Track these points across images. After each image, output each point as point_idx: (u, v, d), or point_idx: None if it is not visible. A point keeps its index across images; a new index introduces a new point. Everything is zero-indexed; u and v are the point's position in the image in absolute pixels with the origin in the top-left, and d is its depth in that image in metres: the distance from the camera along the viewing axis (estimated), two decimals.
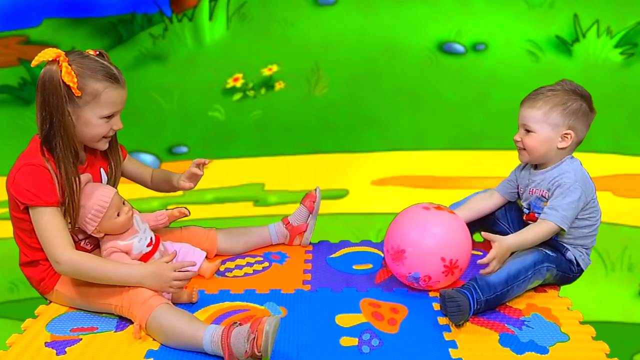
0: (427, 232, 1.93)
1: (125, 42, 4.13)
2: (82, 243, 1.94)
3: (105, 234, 1.89)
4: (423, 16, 4.21)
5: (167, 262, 1.82)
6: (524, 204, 2.10)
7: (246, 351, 1.58)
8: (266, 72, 4.18)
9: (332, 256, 2.26)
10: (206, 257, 2.12)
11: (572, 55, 4.11)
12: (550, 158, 2.00)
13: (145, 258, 1.90)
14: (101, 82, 1.79)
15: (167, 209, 2.09)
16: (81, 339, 1.75)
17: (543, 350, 1.69)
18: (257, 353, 1.58)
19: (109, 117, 1.84)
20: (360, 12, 4.22)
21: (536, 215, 2.01)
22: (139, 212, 2.02)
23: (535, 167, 2.07)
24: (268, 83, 4.17)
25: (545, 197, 1.99)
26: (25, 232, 1.86)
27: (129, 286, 1.78)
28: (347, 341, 1.74)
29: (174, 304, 1.82)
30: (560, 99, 1.95)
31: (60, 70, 1.75)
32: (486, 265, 1.86)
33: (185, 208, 2.08)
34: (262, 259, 2.23)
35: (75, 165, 1.83)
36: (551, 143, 1.97)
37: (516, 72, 4.11)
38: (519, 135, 2.01)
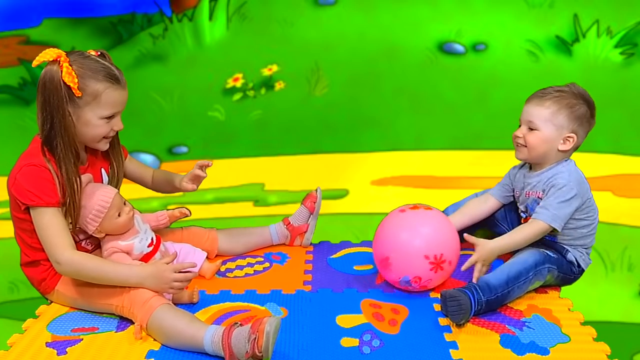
0: (404, 234, 1.93)
1: (125, 42, 4.13)
2: (83, 243, 1.95)
3: (106, 234, 1.89)
4: (423, 16, 4.21)
5: (168, 263, 1.82)
6: (521, 207, 2.10)
7: (247, 352, 1.58)
8: (266, 72, 4.18)
9: (332, 257, 2.26)
10: (207, 257, 2.12)
11: (572, 55, 4.11)
12: (547, 159, 2.00)
13: (146, 258, 1.90)
14: (102, 82, 1.79)
15: (167, 210, 2.09)
16: (82, 339, 1.75)
17: (544, 352, 1.69)
18: (257, 354, 1.58)
19: (110, 117, 1.84)
20: (360, 12, 4.22)
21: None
22: (140, 212, 2.02)
23: (530, 168, 2.07)
24: (268, 83, 4.17)
25: (541, 199, 1.99)
26: (26, 232, 1.86)
27: (129, 286, 1.78)
28: (347, 342, 1.74)
29: (174, 304, 1.82)
30: (569, 102, 1.96)
31: (61, 71, 1.75)
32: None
33: (186, 208, 2.08)
34: (262, 259, 2.23)
35: (76, 165, 1.83)
36: (552, 144, 1.97)
37: (516, 72, 4.11)
38: (520, 132, 2.00)
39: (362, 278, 2.10)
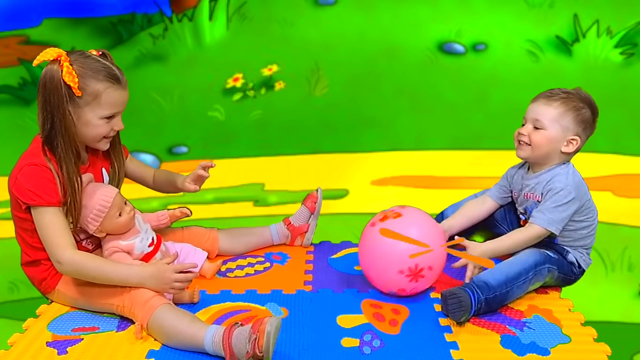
0: (374, 253, 1.91)
1: (125, 42, 4.13)
2: (84, 243, 1.95)
3: (107, 234, 1.89)
4: (423, 16, 4.21)
5: (169, 264, 1.82)
6: (520, 209, 2.10)
7: (247, 352, 1.59)
8: (266, 72, 4.18)
9: (333, 257, 2.26)
10: (207, 257, 2.12)
11: (572, 55, 4.11)
12: (549, 160, 2.00)
13: (146, 258, 1.90)
14: (102, 82, 1.79)
15: (168, 209, 2.09)
16: (82, 339, 1.75)
17: (544, 352, 1.69)
18: (258, 354, 1.58)
19: (110, 117, 1.84)
20: (360, 12, 4.22)
21: None
22: (141, 212, 2.02)
23: (528, 169, 2.07)
24: (268, 83, 4.17)
25: (540, 202, 1.99)
26: (27, 232, 1.86)
27: (130, 286, 1.78)
28: (348, 342, 1.74)
29: (175, 304, 1.82)
30: (576, 105, 1.96)
31: (61, 70, 1.75)
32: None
33: (187, 208, 2.08)
34: (263, 259, 2.24)
35: (76, 164, 1.83)
36: (556, 145, 1.97)
37: (516, 72, 4.11)
38: (525, 130, 1.99)
39: (362, 278, 2.09)
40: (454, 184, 3.72)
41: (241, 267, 2.18)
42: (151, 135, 3.96)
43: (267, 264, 2.20)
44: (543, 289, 2.00)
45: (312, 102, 4.14)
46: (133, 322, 1.78)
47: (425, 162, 3.93)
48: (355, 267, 2.18)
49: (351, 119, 4.08)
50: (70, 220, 1.82)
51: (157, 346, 1.71)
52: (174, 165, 3.83)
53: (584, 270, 2.05)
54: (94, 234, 1.88)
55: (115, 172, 2.02)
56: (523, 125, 2.01)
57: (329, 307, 1.92)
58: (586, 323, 1.84)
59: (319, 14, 4.22)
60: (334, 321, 1.84)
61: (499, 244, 1.97)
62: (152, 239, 1.95)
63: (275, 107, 4.13)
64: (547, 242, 2.00)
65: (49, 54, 1.76)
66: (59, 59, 1.76)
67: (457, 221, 2.14)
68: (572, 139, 1.96)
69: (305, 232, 2.30)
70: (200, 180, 2.08)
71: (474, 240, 2.11)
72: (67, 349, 1.70)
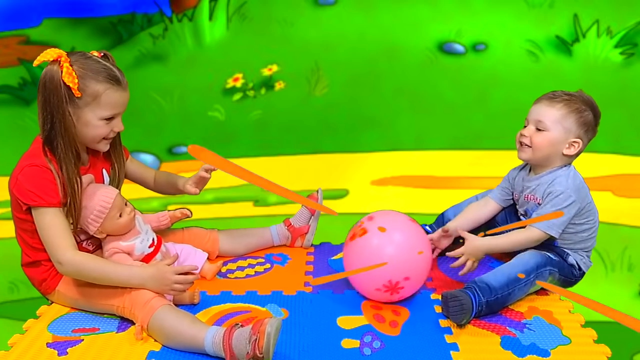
0: (352, 276, 1.91)
1: (125, 42, 4.13)
2: (84, 244, 1.94)
3: (108, 235, 1.89)
4: (423, 16, 4.21)
5: (169, 266, 1.82)
6: (521, 210, 2.10)
7: (248, 353, 1.58)
8: (266, 72, 4.18)
9: (333, 258, 2.26)
10: (208, 258, 2.12)
11: (572, 55, 4.11)
12: (550, 162, 2.00)
13: (147, 259, 1.90)
14: (102, 83, 1.79)
15: (168, 210, 2.09)
16: (83, 340, 1.75)
17: (545, 353, 1.69)
18: (258, 355, 1.58)
19: (110, 118, 1.84)
20: (360, 12, 4.22)
21: None
22: (141, 212, 2.02)
23: (530, 171, 2.07)
24: (268, 83, 4.17)
25: (540, 205, 1.99)
26: (27, 233, 1.86)
27: (130, 287, 1.78)
28: (348, 343, 1.74)
29: (175, 305, 1.81)
30: (579, 107, 1.95)
31: (61, 71, 1.74)
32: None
33: (187, 209, 2.08)
34: (263, 260, 2.23)
35: (76, 165, 1.83)
36: (558, 147, 1.96)
37: (516, 72, 4.11)
38: (527, 132, 1.99)
39: None
40: (454, 184, 3.73)
41: (241, 268, 2.17)
42: (151, 135, 3.96)
43: (268, 265, 2.20)
44: (543, 290, 2.00)
45: (312, 102, 4.15)
46: (133, 323, 1.78)
47: (425, 162, 3.93)
48: None
49: (351, 119, 4.08)
50: (71, 221, 1.82)
51: (157, 347, 1.71)
52: (174, 165, 3.83)
53: (584, 273, 2.05)
54: (95, 235, 1.88)
55: (116, 173, 2.02)
56: (525, 126, 2.01)
57: (329, 308, 1.91)
58: (586, 323, 1.84)
59: (319, 14, 4.22)
60: (334, 322, 1.84)
61: (495, 241, 1.98)
62: (153, 240, 1.95)
63: (275, 107, 4.13)
64: (548, 244, 1.99)
65: (49, 54, 1.76)
66: (59, 59, 1.76)
67: (462, 224, 2.14)
68: (574, 142, 1.96)
69: (306, 233, 2.30)
70: (202, 182, 2.08)
71: None
72: (68, 350, 1.70)
